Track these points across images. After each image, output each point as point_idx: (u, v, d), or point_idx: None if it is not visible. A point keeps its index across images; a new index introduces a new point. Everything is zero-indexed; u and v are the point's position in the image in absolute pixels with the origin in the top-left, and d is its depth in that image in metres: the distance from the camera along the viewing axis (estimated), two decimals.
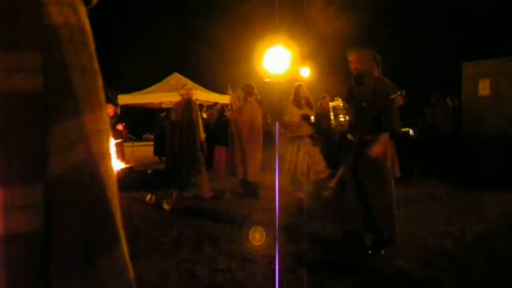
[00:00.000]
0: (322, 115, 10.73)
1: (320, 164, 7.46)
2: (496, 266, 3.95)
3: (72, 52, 0.62)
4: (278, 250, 4.16)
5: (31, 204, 0.54)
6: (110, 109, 10.44)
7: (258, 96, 9.61)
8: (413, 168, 8.84)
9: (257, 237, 4.84)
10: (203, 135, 8.00)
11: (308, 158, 7.32)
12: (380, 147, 4.28)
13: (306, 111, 7.40)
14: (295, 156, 7.32)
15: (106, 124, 0.69)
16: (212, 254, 4.45)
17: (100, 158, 0.65)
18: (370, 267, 3.98)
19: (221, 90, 17.57)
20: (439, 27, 24.68)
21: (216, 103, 12.61)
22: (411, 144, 9.43)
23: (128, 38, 33.43)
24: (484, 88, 9.00)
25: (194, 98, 8.20)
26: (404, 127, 9.66)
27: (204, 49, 25.50)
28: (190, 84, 12.61)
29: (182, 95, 7.80)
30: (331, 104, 12.81)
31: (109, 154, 0.68)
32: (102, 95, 0.69)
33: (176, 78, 16.72)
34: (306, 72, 16.84)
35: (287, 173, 7.42)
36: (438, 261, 4.10)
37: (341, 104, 12.51)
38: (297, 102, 7.43)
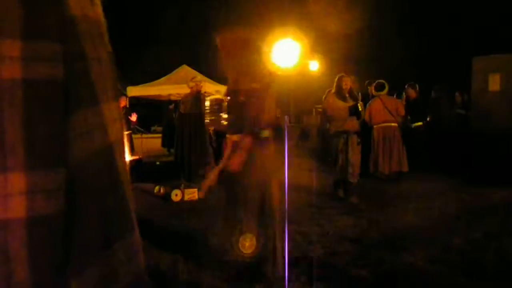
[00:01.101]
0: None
1: (357, 167, 6.77)
2: (505, 262, 3.93)
3: (89, 43, 0.63)
4: (287, 244, 4.17)
5: (53, 188, 0.55)
6: (122, 101, 10.51)
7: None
8: (424, 163, 8.79)
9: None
10: (211, 128, 8.02)
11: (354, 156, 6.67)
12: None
13: (351, 103, 6.74)
14: (345, 152, 6.66)
15: (120, 114, 0.70)
16: (219, 246, 4.47)
17: (115, 146, 0.67)
18: (377, 262, 3.98)
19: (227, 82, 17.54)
20: (450, 21, 24.47)
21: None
22: (421, 139, 9.36)
23: (137, 30, 33.46)
24: (494, 83, 8.92)
25: (203, 90, 8.21)
26: (417, 121, 9.58)
27: (213, 41, 25.50)
28: (199, 76, 12.63)
29: (191, 88, 7.82)
30: None
31: (123, 143, 0.71)
32: (116, 87, 0.71)
33: (185, 70, 16.75)
34: (315, 66, 16.78)
35: (338, 170, 6.81)
36: (446, 256, 4.10)
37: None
38: (340, 95, 6.76)
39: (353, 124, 6.63)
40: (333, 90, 6.89)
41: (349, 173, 6.58)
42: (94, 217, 0.61)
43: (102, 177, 0.63)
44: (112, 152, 0.66)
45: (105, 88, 0.66)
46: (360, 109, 6.70)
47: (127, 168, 0.72)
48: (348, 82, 6.77)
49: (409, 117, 9.37)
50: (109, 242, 0.63)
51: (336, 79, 6.90)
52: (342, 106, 6.64)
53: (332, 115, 6.81)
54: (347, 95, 6.75)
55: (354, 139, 6.64)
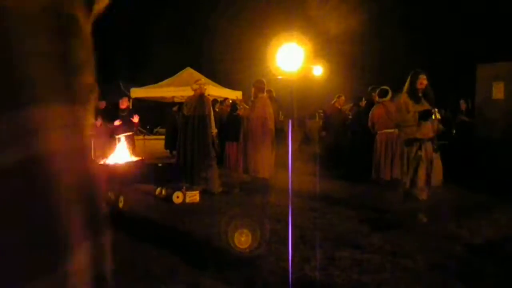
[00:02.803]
0: (333, 114, 10.69)
1: (439, 177, 5.96)
2: (506, 271, 3.92)
3: (28, 35, 0.56)
4: (291, 247, 4.17)
5: None
6: (125, 102, 10.49)
7: (274, 93, 9.60)
8: None
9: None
10: (214, 130, 8.03)
11: (427, 167, 5.78)
12: None
13: (425, 106, 5.75)
14: (414, 165, 5.75)
15: (82, 119, 0.64)
16: (220, 249, 4.48)
17: (62, 154, 0.60)
18: (379, 267, 3.98)
19: (233, 86, 17.59)
20: (455, 29, 24.47)
21: (226, 99, 12.64)
22: None
23: (142, 32, 33.55)
24: (498, 91, 8.91)
25: (206, 93, 8.22)
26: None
27: (217, 45, 25.55)
28: (203, 79, 12.64)
29: (195, 90, 7.83)
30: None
31: (81, 151, 0.63)
32: (83, 90, 0.64)
33: (189, 72, 16.78)
34: (319, 71, 16.79)
35: (403, 184, 5.98)
36: (447, 263, 4.09)
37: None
38: (414, 95, 5.75)
39: (428, 130, 5.70)
40: (404, 89, 5.91)
41: (418, 187, 5.72)
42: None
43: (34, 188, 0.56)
44: (51, 160, 0.58)
45: (56, 89, 0.59)
46: (434, 117, 5.64)
47: (92, 176, 0.65)
48: (424, 81, 5.74)
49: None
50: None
51: (410, 76, 5.88)
52: (412, 108, 5.70)
53: (402, 120, 5.85)
54: (421, 95, 5.79)
55: (429, 147, 5.75)
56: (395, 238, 4.89)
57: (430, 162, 5.74)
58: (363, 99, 9.78)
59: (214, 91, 14.82)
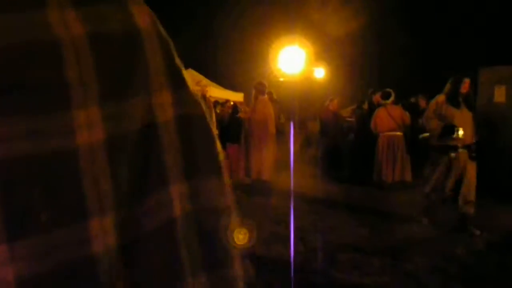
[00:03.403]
0: (327, 119, 10.61)
1: (471, 192, 5.38)
2: (507, 275, 3.92)
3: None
4: (293, 249, 4.18)
5: None
6: None
7: (274, 95, 9.61)
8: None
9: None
10: (215, 132, 8.04)
11: (459, 178, 5.34)
12: None
13: (464, 113, 5.30)
14: (444, 174, 5.38)
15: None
16: None
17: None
18: (379, 271, 3.98)
19: (235, 88, 17.62)
20: (457, 32, 24.50)
21: (227, 101, 12.64)
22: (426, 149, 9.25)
23: None
24: (500, 95, 8.90)
25: (208, 95, 8.24)
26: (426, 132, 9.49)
27: (219, 47, 25.59)
28: (205, 81, 12.66)
29: (196, 92, 7.85)
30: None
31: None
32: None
33: (190, 74, 16.79)
34: (320, 73, 16.80)
35: (428, 192, 5.62)
36: (448, 267, 4.09)
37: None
38: (454, 99, 5.31)
39: (465, 137, 5.22)
40: (444, 91, 5.47)
41: (465, 202, 5.31)
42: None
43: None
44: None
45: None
46: (457, 135, 5.14)
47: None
48: (467, 85, 5.34)
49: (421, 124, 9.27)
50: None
51: (453, 78, 5.46)
52: (451, 114, 5.27)
53: (427, 125, 5.53)
54: (461, 100, 5.32)
55: (465, 155, 5.28)
56: (396, 241, 4.89)
57: (463, 172, 5.30)
58: (366, 101, 9.77)
59: (216, 92, 14.83)
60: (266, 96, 7.91)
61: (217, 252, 0.57)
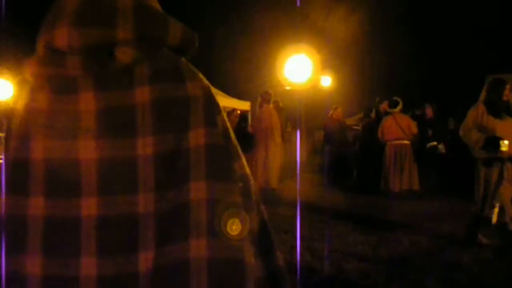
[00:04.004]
0: (331, 127, 10.57)
1: None
2: None
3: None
4: (299, 258, 4.17)
5: None
6: None
7: (280, 103, 9.63)
8: (437, 183, 8.69)
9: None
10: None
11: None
12: None
13: (507, 123, 4.79)
14: (494, 186, 4.80)
15: None
16: None
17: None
18: (386, 280, 3.96)
19: (242, 97, 17.65)
20: (465, 39, 24.43)
21: (234, 109, 12.65)
22: (439, 159, 9.15)
23: None
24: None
25: None
26: (432, 141, 9.43)
27: (226, 55, 25.69)
28: (211, 89, 12.68)
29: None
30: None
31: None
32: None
33: None
34: (327, 81, 16.79)
35: (481, 208, 4.96)
36: (455, 276, 4.06)
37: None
38: (494, 108, 4.82)
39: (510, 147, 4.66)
40: (481, 98, 4.97)
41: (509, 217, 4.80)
42: None
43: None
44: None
45: None
46: (501, 148, 4.63)
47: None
48: (508, 92, 4.84)
49: (430, 134, 9.22)
50: None
51: (491, 83, 4.98)
52: (492, 125, 4.77)
53: (477, 140, 4.77)
54: (501, 108, 4.84)
55: (510, 167, 4.81)
56: (404, 251, 4.87)
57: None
58: (373, 110, 9.76)
59: (222, 101, 14.86)
60: (271, 104, 7.93)
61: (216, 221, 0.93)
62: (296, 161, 8.24)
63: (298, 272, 3.78)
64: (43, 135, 0.91)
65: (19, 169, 0.90)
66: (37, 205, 0.88)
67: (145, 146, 0.89)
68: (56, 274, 0.86)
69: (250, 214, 0.97)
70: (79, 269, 0.86)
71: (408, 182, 8.23)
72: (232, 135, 1.01)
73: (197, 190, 0.90)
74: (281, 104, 9.96)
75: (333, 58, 19.04)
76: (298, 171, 6.43)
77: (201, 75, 1.03)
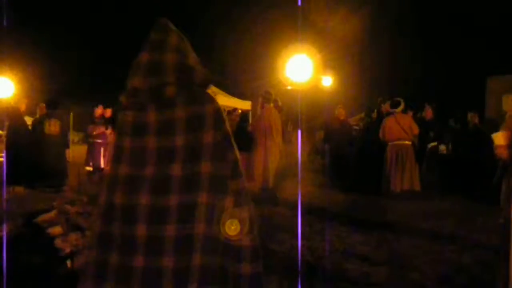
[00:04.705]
0: (333, 127, 10.54)
1: None
2: None
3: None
4: (300, 256, 4.17)
5: None
6: (99, 110, 10.20)
7: (280, 103, 9.61)
8: (438, 183, 8.67)
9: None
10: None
11: None
12: None
13: None
14: None
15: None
16: None
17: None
18: (386, 279, 3.96)
19: (243, 96, 17.65)
20: (465, 41, 24.42)
21: (235, 109, 12.66)
22: (441, 160, 9.12)
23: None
24: (508, 104, 8.86)
25: None
26: (433, 141, 9.42)
27: (227, 55, 25.67)
28: (213, 88, 12.70)
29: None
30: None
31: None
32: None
33: None
34: (328, 81, 16.78)
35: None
36: (456, 277, 4.06)
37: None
38: None
39: None
40: None
41: None
42: None
43: None
44: None
45: None
46: None
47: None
48: None
49: (431, 136, 9.20)
50: None
51: None
52: None
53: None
54: None
55: None
56: (404, 251, 4.87)
57: None
58: (375, 110, 9.74)
59: (223, 101, 14.90)
60: (272, 104, 7.92)
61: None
62: (296, 161, 8.23)
63: (299, 272, 3.78)
64: (130, 132, 1.79)
65: (117, 150, 1.80)
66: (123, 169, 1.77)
67: (180, 140, 1.75)
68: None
69: (236, 179, 1.73)
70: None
71: (409, 183, 8.21)
72: (232, 138, 1.78)
73: (205, 166, 1.72)
74: (280, 104, 9.94)
75: (334, 58, 19.04)
76: (299, 171, 6.42)
77: (214, 99, 1.84)
